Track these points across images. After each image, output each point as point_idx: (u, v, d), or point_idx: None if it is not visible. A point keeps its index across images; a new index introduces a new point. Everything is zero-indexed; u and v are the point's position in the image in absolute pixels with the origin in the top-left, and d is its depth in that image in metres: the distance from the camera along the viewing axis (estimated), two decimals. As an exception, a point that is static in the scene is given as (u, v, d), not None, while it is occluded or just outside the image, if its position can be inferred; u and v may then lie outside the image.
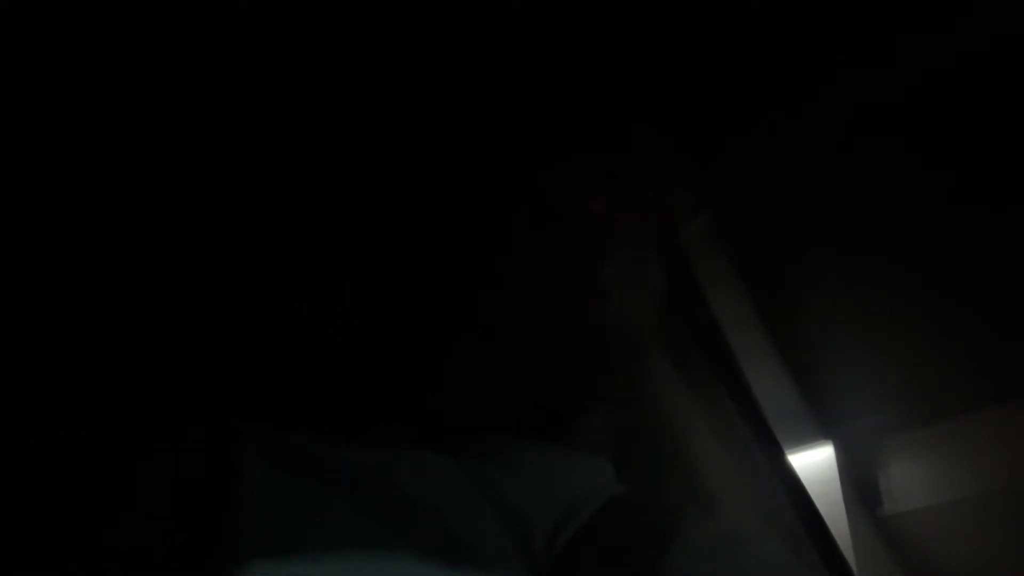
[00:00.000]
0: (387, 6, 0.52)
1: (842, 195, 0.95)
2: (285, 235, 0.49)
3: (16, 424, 0.44)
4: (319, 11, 0.51)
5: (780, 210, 0.96)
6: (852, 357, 1.09)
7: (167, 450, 0.39)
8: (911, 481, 1.00)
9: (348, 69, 0.52)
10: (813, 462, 1.00)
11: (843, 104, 0.84)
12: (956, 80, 0.77)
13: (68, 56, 0.47)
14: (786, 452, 0.79)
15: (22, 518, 0.41)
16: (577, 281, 0.49)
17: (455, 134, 0.54)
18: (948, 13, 0.67)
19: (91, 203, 0.48)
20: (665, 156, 0.70)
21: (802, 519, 0.66)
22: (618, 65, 0.66)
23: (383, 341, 0.47)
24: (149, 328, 0.47)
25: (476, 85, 0.54)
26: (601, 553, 0.41)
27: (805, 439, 1.04)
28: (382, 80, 0.52)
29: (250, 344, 0.47)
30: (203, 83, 0.49)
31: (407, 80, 0.53)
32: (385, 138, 0.52)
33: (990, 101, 0.79)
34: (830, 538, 0.67)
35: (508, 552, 0.39)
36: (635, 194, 0.59)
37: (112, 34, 0.48)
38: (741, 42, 0.75)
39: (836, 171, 0.93)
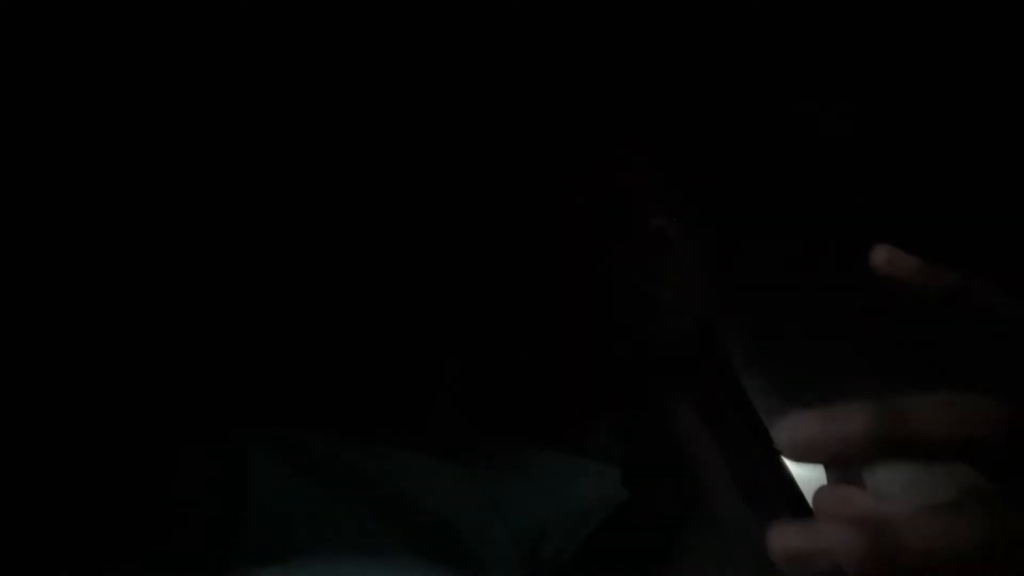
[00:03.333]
0: (388, 10, 0.51)
1: (835, 215, 0.96)
2: (304, 238, 0.48)
3: (24, 425, 0.42)
4: (320, 14, 0.49)
5: (769, 223, 0.97)
6: (841, 357, 1.10)
7: (179, 450, 0.38)
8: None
9: (346, 71, 0.51)
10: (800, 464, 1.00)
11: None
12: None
13: (68, 56, 0.45)
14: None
15: (31, 518, 0.39)
16: (589, 293, 0.48)
17: (466, 139, 0.53)
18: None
19: (98, 204, 0.46)
20: (664, 171, 0.70)
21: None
22: (609, 77, 0.65)
23: (398, 348, 0.46)
24: (158, 330, 0.46)
25: (481, 93, 0.53)
26: (609, 560, 0.40)
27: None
28: (382, 84, 0.51)
29: (264, 346, 0.46)
30: (215, 84, 0.48)
31: (408, 84, 0.51)
32: (393, 143, 0.51)
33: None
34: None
35: (512, 560, 0.38)
36: (640, 207, 0.58)
37: (113, 34, 0.46)
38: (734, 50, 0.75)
39: (830, 194, 0.94)
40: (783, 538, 0.33)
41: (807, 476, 1.03)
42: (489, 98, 0.54)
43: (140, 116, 0.49)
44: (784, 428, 0.34)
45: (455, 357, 0.46)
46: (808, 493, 0.92)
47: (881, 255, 0.47)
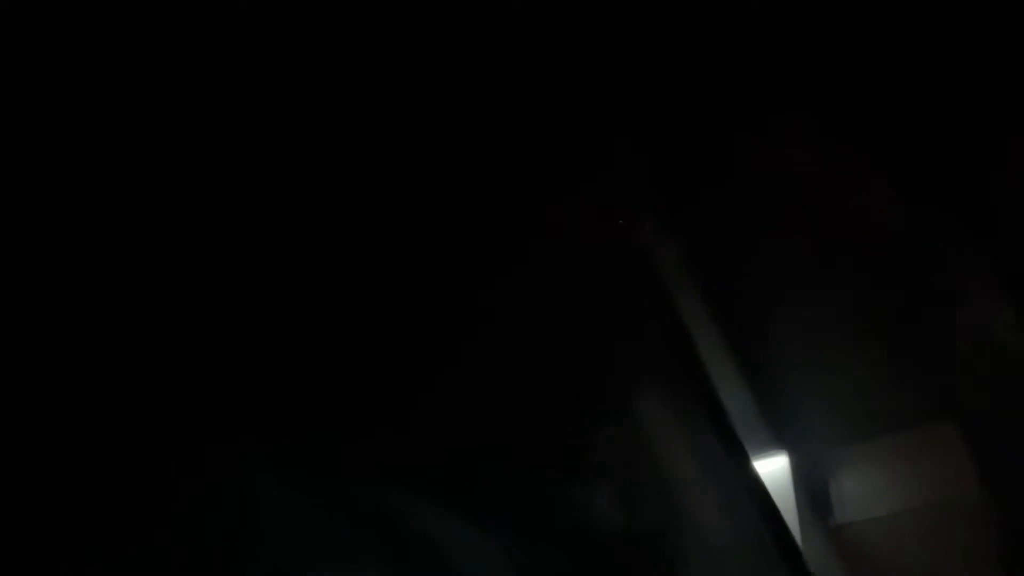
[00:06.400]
0: (387, 9, 0.51)
1: (799, 222, 0.97)
2: (299, 248, 0.48)
3: (25, 436, 0.42)
4: (319, 14, 0.50)
5: (741, 234, 0.98)
6: (807, 368, 1.12)
7: (186, 468, 0.38)
8: (862, 491, 1.02)
9: (345, 70, 0.51)
10: (768, 472, 1.02)
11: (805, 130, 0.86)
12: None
13: (68, 56, 0.45)
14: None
15: (33, 530, 0.39)
16: (570, 314, 0.49)
17: (453, 139, 0.54)
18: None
19: (96, 205, 0.46)
20: (636, 179, 0.70)
21: (770, 530, 0.67)
22: (603, 79, 0.66)
23: (390, 368, 0.46)
24: (163, 339, 0.46)
25: (475, 93, 0.54)
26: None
27: (760, 448, 1.06)
28: (380, 83, 0.52)
29: (261, 355, 0.46)
30: (215, 84, 0.48)
31: (405, 83, 0.52)
32: (385, 143, 0.51)
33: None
34: (795, 548, 0.68)
35: None
36: (614, 216, 0.59)
37: (113, 34, 0.46)
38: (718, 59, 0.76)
39: (793, 200, 0.95)
40: None
41: (778, 485, 1.06)
42: (481, 98, 0.54)
43: (140, 116, 0.49)
44: None
45: (444, 375, 0.47)
46: (779, 501, 0.95)
47: None
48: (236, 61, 0.48)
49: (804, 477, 1.09)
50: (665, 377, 0.73)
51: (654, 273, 0.79)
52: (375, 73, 0.52)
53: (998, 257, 0.90)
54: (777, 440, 1.10)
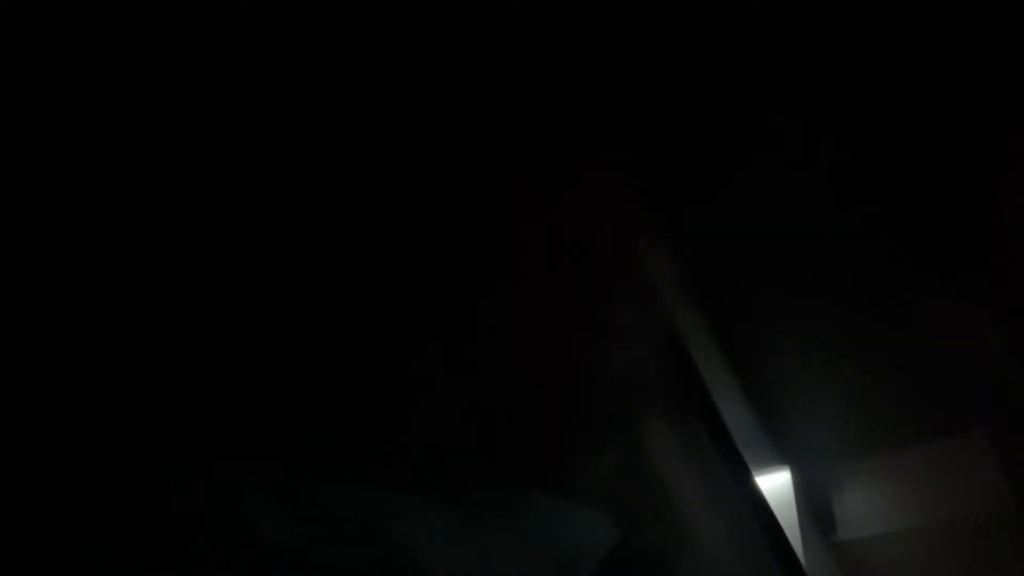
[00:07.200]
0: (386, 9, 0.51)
1: (801, 240, 0.98)
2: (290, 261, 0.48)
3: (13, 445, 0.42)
4: (319, 13, 0.50)
5: (743, 253, 0.98)
6: (810, 383, 1.12)
7: (173, 487, 0.37)
8: (864, 508, 1.03)
9: (344, 70, 0.51)
10: (771, 487, 1.02)
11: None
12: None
13: (67, 55, 0.45)
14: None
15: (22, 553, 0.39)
16: (570, 331, 0.49)
17: (447, 150, 0.54)
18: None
19: (93, 208, 0.46)
20: (637, 198, 0.70)
21: (772, 545, 0.67)
22: (600, 82, 0.66)
23: (385, 385, 0.46)
24: (149, 350, 0.45)
25: (473, 94, 0.53)
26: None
27: (763, 464, 1.06)
28: (378, 83, 0.51)
29: (250, 375, 0.46)
30: (204, 84, 0.48)
31: (402, 84, 0.52)
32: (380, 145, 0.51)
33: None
34: (797, 564, 0.68)
35: None
36: (616, 230, 0.59)
37: (112, 33, 0.46)
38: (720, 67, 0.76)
39: (797, 214, 0.96)
40: None
41: (781, 501, 1.06)
42: (479, 100, 0.54)
43: (140, 116, 0.49)
44: None
45: (446, 400, 0.47)
46: (781, 516, 0.95)
47: None
48: (223, 56, 0.48)
49: (806, 493, 1.09)
50: (667, 393, 0.74)
51: (656, 291, 0.79)
52: (369, 79, 0.52)
53: (998, 275, 0.90)
54: (779, 456, 1.11)
